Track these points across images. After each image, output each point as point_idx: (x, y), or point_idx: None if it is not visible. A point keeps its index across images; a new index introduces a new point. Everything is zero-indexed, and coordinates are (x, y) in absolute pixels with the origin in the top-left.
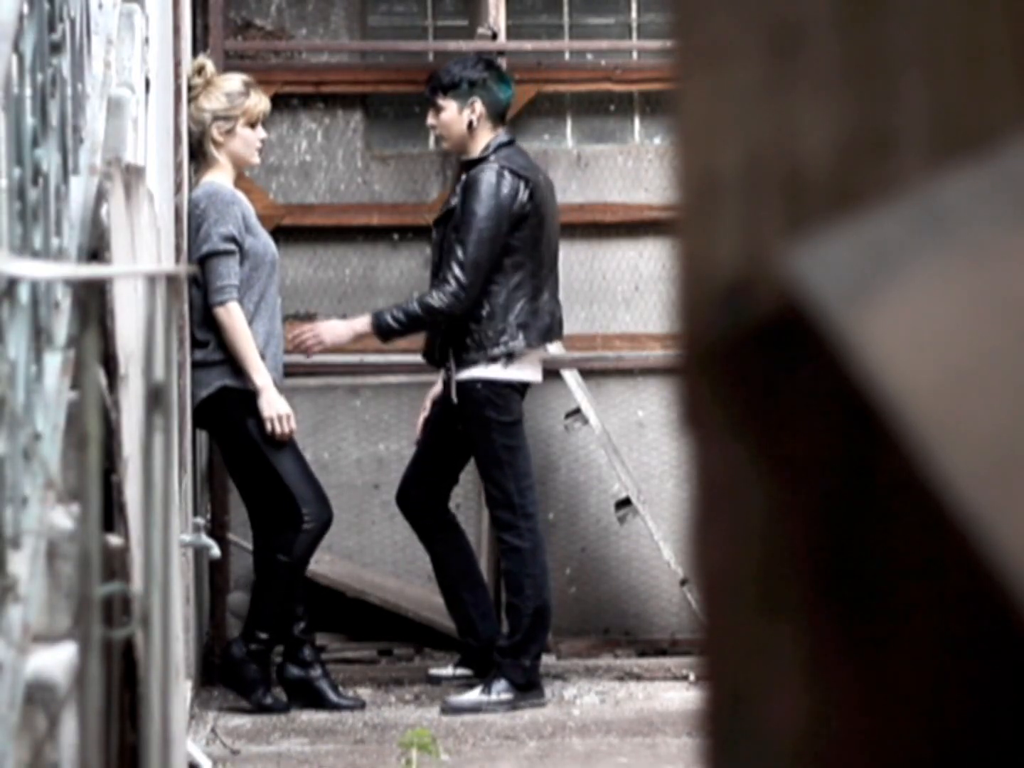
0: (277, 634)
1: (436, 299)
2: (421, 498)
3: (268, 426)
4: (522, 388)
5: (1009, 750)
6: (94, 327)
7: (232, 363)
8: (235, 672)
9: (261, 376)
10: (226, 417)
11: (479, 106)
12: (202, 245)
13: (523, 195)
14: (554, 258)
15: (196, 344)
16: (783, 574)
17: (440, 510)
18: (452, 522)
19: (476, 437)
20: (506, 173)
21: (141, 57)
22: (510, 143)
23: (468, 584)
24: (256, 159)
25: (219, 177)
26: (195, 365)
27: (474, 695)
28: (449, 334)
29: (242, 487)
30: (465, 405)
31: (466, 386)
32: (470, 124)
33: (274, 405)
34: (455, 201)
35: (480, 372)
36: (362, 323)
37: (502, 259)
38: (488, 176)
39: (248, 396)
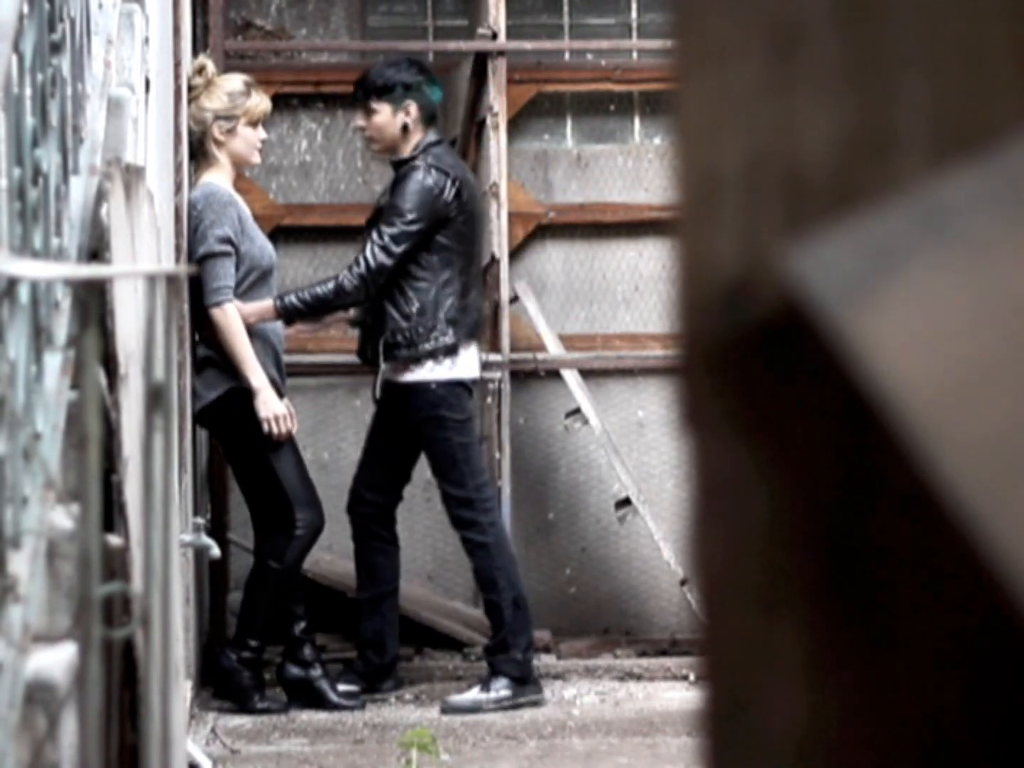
0: (267, 641)
1: (345, 280)
2: (374, 502)
3: (265, 427)
4: (470, 386)
5: (1008, 750)
6: (94, 327)
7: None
8: (228, 682)
9: (257, 377)
10: (231, 418)
11: (414, 109)
12: (198, 246)
13: (449, 193)
14: (482, 256)
15: (195, 345)
16: (784, 574)
17: (388, 522)
18: (395, 539)
19: (430, 438)
20: (433, 171)
21: (141, 57)
22: (438, 143)
23: (391, 604)
24: (257, 158)
25: (218, 177)
26: (201, 365)
27: (473, 694)
28: (379, 332)
29: (245, 488)
30: (419, 407)
31: (419, 387)
32: (404, 127)
33: (270, 405)
34: (384, 201)
35: (428, 373)
36: (261, 308)
37: (431, 256)
38: (416, 174)
39: (252, 397)
